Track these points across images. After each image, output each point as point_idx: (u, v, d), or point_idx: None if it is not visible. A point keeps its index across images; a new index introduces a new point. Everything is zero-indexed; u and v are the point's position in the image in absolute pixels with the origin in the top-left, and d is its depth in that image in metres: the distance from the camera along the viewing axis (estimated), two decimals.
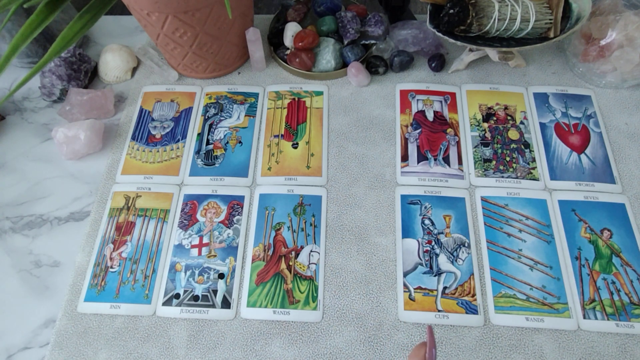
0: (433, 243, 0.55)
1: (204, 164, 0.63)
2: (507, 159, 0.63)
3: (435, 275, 0.54)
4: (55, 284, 0.56)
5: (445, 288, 0.53)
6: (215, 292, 0.54)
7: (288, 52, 0.71)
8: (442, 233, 0.56)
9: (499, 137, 0.64)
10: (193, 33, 0.61)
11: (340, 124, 0.67)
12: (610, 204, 0.58)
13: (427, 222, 0.56)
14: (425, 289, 0.53)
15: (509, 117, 0.66)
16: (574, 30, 0.62)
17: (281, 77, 0.72)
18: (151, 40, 0.74)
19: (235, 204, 0.60)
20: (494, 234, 0.57)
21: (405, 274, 0.54)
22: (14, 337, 0.53)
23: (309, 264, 0.56)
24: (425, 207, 0.57)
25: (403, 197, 0.59)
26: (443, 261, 0.54)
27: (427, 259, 0.55)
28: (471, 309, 0.52)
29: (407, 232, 0.57)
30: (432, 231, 0.56)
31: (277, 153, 0.64)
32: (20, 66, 0.75)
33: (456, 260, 0.54)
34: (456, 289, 0.53)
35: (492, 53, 0.66)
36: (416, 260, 0.55)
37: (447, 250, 0.54)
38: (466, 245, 0.55)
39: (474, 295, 0.53)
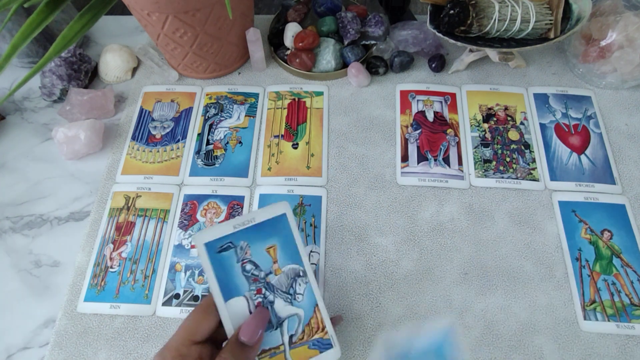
0: (264, 290, 0.42)
1: (204, 164, 0.63)
2: (507, 159, 0.62)
3: (276, 328, 0.41)
4: (55, 284, 0.56)
5: (291, 337, 0.41)
6: None
7: (288, 52, 0.71)
8: (270, 273, 0.42)
9: (499, 137, 0.64)
10: (193, 33, 0.61)
11: (341, 124, 0.67)
12: (610, 204, 0.58)
13: (248, 267, 0.42)
14: (269, 349, 0.40)
15: (509, 118, 0.66)
16: (574, 31, 0.62)
17: (281, 77, 0.72)
18: (151, 40, 0.74)
19: (235, 204, 0.60)
20: None
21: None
22: (13, 337, 0.52)
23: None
24: (242, 249, 0.42)
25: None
26: (280, 307, 0.42)
27: None
28: (324, 346, 0.42)
29: (228, 292, 0.40)
30: (257, 276, 0.42)
31: (277, 153, 0.64)
32: (20, 66, 0.75)
33: (295, 298, 0.42)
34: (303, 331, 0.42)
35: (492, 54, 0.66)
36: None
37: (281, 291, 0.42)
38: (301, 274, 0.43)
39: (324, 329, 0.42)
